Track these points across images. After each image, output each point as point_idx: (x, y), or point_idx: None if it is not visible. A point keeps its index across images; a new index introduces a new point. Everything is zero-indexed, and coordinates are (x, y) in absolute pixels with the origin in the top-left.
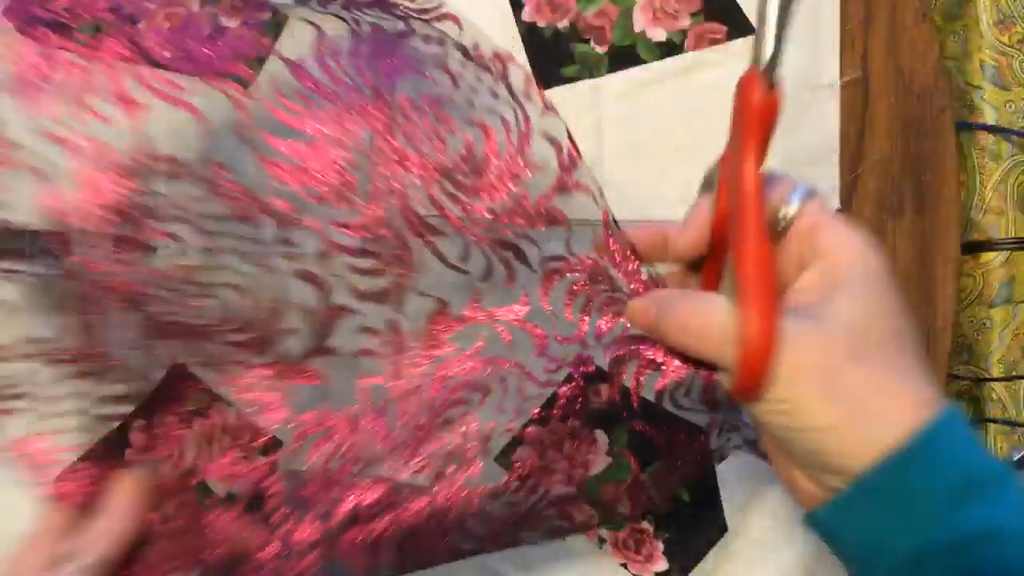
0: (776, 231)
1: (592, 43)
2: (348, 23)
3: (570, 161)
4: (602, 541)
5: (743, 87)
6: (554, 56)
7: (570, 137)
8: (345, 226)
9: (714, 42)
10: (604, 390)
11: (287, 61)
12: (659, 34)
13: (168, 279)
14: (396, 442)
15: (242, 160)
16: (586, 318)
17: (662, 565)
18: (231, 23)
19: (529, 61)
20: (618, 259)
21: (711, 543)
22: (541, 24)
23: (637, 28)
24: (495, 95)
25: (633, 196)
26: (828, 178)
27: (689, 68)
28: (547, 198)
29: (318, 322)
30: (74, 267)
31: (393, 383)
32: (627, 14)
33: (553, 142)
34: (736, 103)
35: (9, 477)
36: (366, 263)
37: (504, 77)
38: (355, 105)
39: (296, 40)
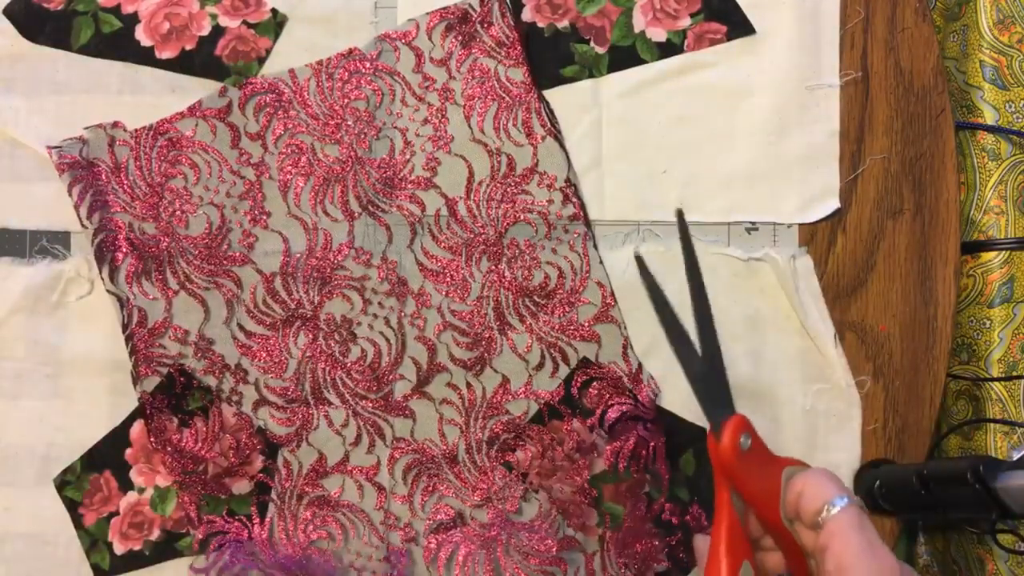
0: (817, 524)
1: (592, 43)
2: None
3: (607, 302)
4: (602, 540)
5: (709, 442)
6: (554, 56)
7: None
8: (457, 312)
9: (714, 42)
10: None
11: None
12: (659, 34)
13: (333, 322)
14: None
15: (407, 263)
16: (601, 407)
17: (662, 564)
18: (231, 23)
19: (529, 61)
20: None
21: None
22: (541, 24)
23: (637, 28)
24: (572, 248)
25: (632, 195)
26: (828, 178)
27: (689, 68)
28: (590, 323)
29: (423, 373)
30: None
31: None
32: (627, 14)
33: (601, 286)
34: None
35: (8, 478)
36: (464, 339)
37: (584, 237)
38: (480, 239)
39: (295, 42)
